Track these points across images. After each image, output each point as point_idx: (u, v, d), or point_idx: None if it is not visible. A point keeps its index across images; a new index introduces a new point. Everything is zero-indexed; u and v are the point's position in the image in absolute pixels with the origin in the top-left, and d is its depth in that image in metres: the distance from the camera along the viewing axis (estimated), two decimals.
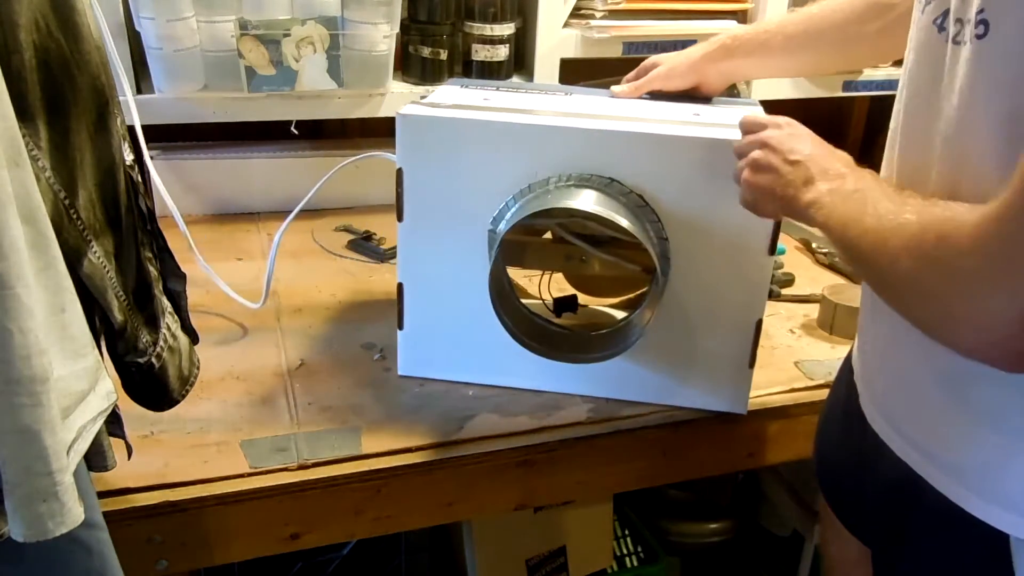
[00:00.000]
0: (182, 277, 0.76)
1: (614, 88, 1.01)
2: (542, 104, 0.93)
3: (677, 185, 0.84)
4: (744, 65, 1.00)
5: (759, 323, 0.89)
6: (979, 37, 0.55)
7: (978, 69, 0.56)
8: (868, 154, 1.82)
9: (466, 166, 0.86)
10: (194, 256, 1.01)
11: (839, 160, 0.68)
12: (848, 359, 0.84)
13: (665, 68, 1.00)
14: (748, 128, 0.77)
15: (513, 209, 0.85)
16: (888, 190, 0.61)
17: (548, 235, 0.96)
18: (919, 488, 0.67)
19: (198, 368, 0.78)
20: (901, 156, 0.69)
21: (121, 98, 0.65)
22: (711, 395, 0.92)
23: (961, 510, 0.64)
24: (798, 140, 0.71)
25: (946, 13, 0.61)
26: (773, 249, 0.86)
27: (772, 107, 1.42)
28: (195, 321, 0.78)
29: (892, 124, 0.71)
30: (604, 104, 0.96)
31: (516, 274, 0.99)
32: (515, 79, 1.39)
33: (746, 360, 0.91)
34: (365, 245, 1.26)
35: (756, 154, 0.73)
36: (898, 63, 0.73)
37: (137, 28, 1.17)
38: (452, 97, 0.94)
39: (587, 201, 0.82)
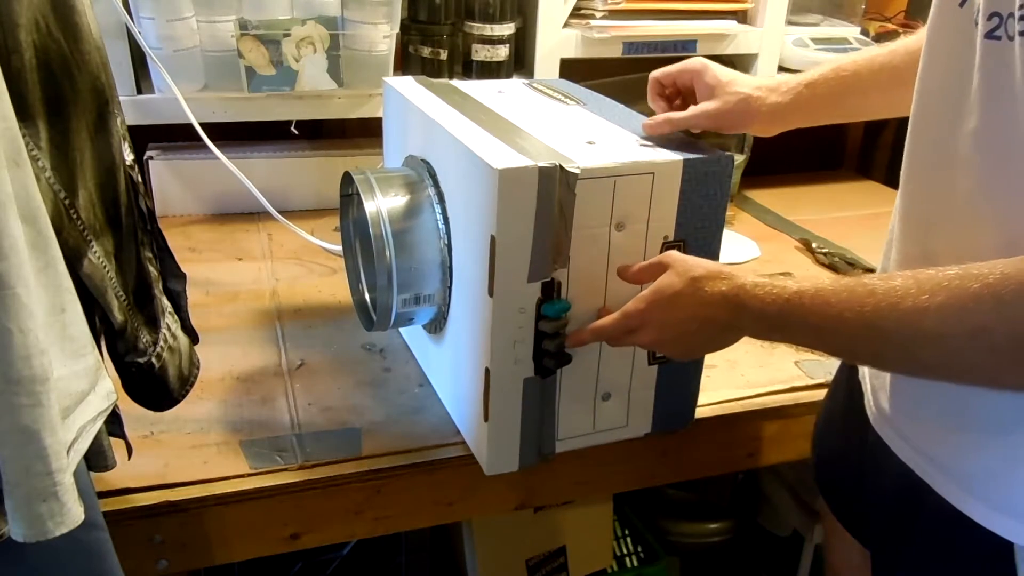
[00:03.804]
0: (182, 277, 0.76)
1: (644, 122, 0.83)
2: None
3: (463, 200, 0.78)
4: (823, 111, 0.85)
5: (487, 372, 0.76)
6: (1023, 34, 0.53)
7: None
8: (868, 154, 1.82)
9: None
10: (194, 256, 1.01)
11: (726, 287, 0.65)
12: None
13: (720, 107, 0.83)
14: (607, 337, 0.74)
15: None
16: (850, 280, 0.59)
17: None
18: (923, 493, 0.66)
19: (198, 368, 0.78)
20: (912, 160, 0.67)
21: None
22: (473, 444, 0.83)
23: (966, 517, 0.63)
24: (670, 324, 0.69)
25: (979, 8, 0.57)
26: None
27: None
28: (195, 321, 0.78)
29: (909, 129, 0.68)
30: (533, 111, 0.88)
31: None
32: (516, 78, 1.39)
33: (480, 412, 0.79)
34: None
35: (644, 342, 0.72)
36: None
37: (137, 28, 1.16)
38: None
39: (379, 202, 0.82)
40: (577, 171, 0.70)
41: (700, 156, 0.76)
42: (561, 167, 0.70)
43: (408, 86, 0.96)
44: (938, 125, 0.63)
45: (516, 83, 1.02)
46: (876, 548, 0.78)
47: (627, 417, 0.85)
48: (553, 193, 0.70)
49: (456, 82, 0.99)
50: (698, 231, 0.78)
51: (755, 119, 0.84)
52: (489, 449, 0.79)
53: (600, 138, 0.80)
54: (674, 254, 0.72)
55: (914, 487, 0.67)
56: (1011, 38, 0.54)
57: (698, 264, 0.69)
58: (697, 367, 0.87)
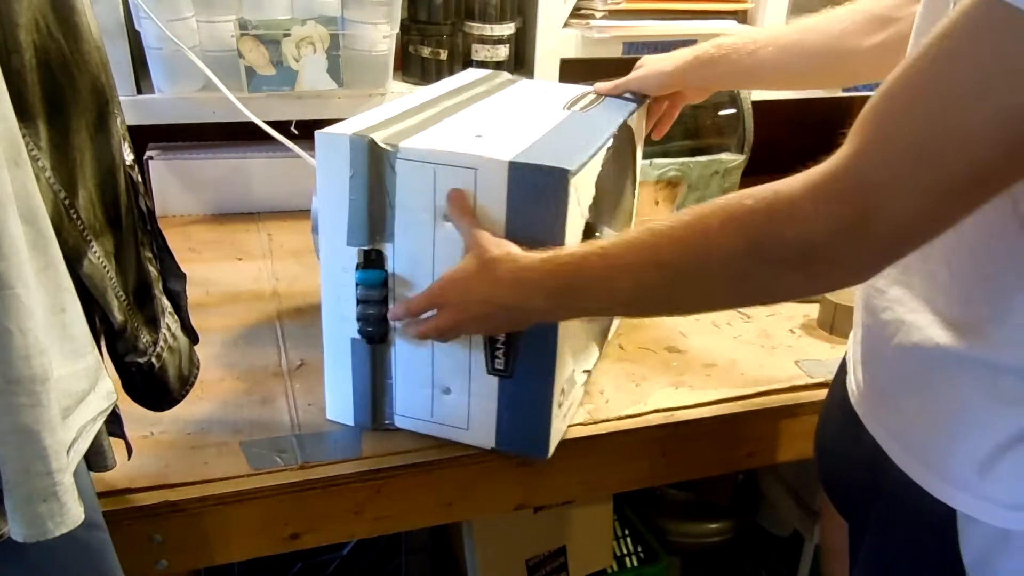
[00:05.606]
0: (182, 277, 0.76)
1: (596, 85, 1.00)
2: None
3: None
4: (729, 76, 0.96)
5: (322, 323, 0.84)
6: None
7: None
8: None
9: None
10: (194, 256, 1.01)
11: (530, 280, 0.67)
12: None
13: (644, 71, 0.98)
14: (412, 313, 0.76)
15: None
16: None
17: None
18: (886, 464, 0.69)
19: (198, 368, 0.78)
20: None
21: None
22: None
23: (917, 486, 0.66)
24: (475, 305, 0.71)
25: None
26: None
27: (771, 107, 1.43)
28: (195, 321, 0.78)
29: None
30: (501, 108, 0.90)
31: None
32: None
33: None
34: None
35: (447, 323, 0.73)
36: None
37: (137, 28, 1.17)
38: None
39: None
40: (390, 149, 0.74)
41: (532, 163, 0.71)
42: (372, 141, 0.73)
43: (462, 77, 1.00)
44: None
45: (578, 88, 1.02)
46: (853, 520, 0.81)
47: (468, 421, 0.83)
48: (366, 165, 0.74)
49: (515, 78, 1.02)
50: (535, 244, 0.71)
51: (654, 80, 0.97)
52: (328, 394, 0.86)
53: (500, 135, 0.78)
54: (482, 234, 0.71)
55: (880, 459, 0.70)
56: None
57: (495, 246, 0.70)
58: (546, 396, 0.79)
